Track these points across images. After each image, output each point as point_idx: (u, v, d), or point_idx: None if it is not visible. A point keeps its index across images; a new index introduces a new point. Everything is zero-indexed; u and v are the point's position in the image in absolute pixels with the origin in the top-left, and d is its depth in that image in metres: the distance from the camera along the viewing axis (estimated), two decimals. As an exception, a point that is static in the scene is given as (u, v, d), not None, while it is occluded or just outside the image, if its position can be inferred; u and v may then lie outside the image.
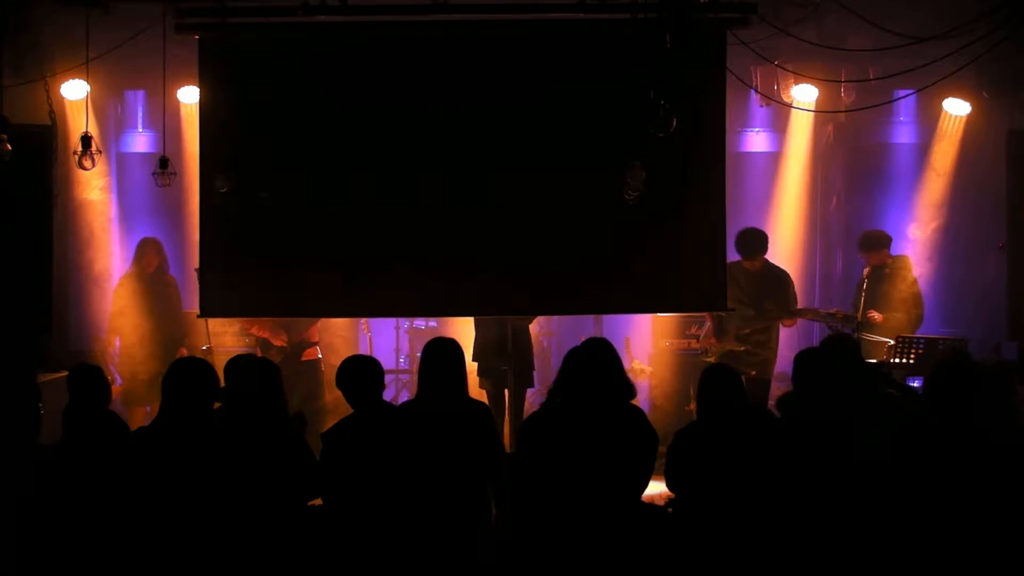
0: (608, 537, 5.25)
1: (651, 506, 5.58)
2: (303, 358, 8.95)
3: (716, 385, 5.55)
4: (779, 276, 8.88)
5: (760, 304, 8.73)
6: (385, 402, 5.58)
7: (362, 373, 5.56)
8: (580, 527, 5.27)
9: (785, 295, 8.81)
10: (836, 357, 6.01)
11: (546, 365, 10.48)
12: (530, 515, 5.40)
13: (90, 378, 5.77)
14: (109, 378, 6.34)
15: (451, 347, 5.75)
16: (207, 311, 8.39)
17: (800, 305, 9.65)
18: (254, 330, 9.05)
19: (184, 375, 5.46)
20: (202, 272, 8.32)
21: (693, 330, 9.46)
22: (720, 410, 5.49)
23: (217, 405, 5.46)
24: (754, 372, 8.54)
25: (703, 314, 9.05)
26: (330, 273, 8.25)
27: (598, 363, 5.41)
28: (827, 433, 5.44)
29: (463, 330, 9.06)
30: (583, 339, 5.80)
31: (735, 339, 8.73)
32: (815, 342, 9.78)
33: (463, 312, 8.90)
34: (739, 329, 8.73)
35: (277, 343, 8.94)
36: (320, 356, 9.18)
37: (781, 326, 8.89)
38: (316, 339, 9.18)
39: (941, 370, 5.31)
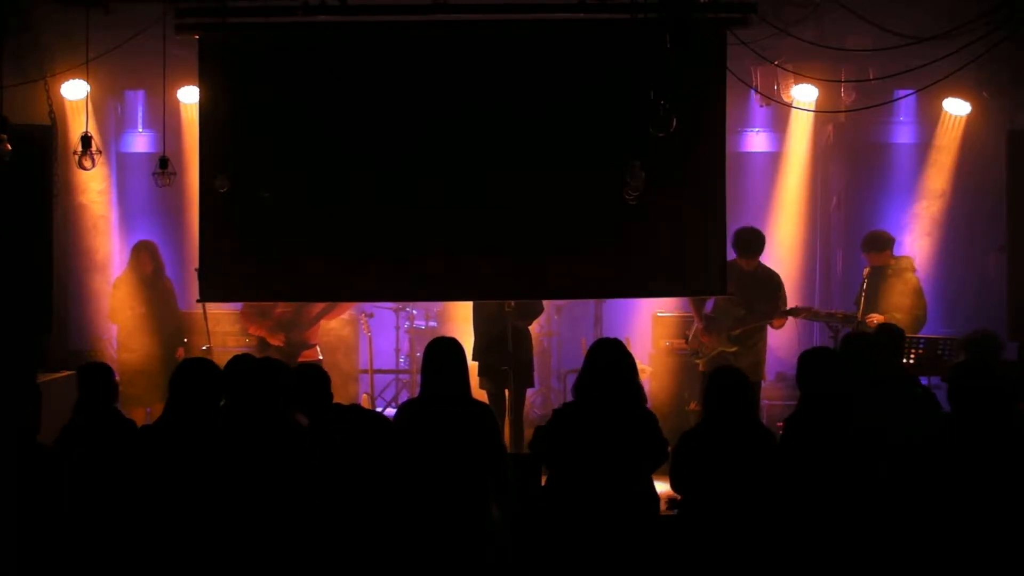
0: (617, 535, 5.29)
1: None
2: (300, 358, 8.84)
3: (724, 388, 5.54)
4: (773, 279, 8.83)
5: (752, 305, 8.69)
6: (337, 405, 5.66)
7: (313, 381, 5.62)
8: (588, 525, 5.31)
9: (777, 298, 8.78)
10: (841, 356, 6.02)
11: (546, 365, 10.49)
12: (542, 513, 5.44)
13: (99, 376, 5.79)
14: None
15: (453, 346, 5.76)
16: (206, 295, 8.40)
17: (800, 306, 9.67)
18: (251, 329, 9.01)
19: (192, 374, 5.48)
20: (202, 269, 8.33)
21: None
22: (728, 413, 5.47)
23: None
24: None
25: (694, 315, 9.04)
26: (329, 257, 8.28)
27: (613, 368, 5.48)
28: (844, 433, 5.45)
29: (463, 330, 9.07)
30: (583, 340, 5.83)
31: (728, 339, 8.70)
32: (815, 342, 9.81)
33: (462, 296, 8.93)
34: (731, 329, 8.70)
35: (274, 343, 8.86)
36: (320, 358, 9.12)
37: (770, 327, 8.85)
38: (315, 341, 9.14)
39: (964, 374, 5.34)
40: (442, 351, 5.72)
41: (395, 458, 5.46)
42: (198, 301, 8.53)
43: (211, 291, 8.38)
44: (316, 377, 5.73)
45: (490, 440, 5.64)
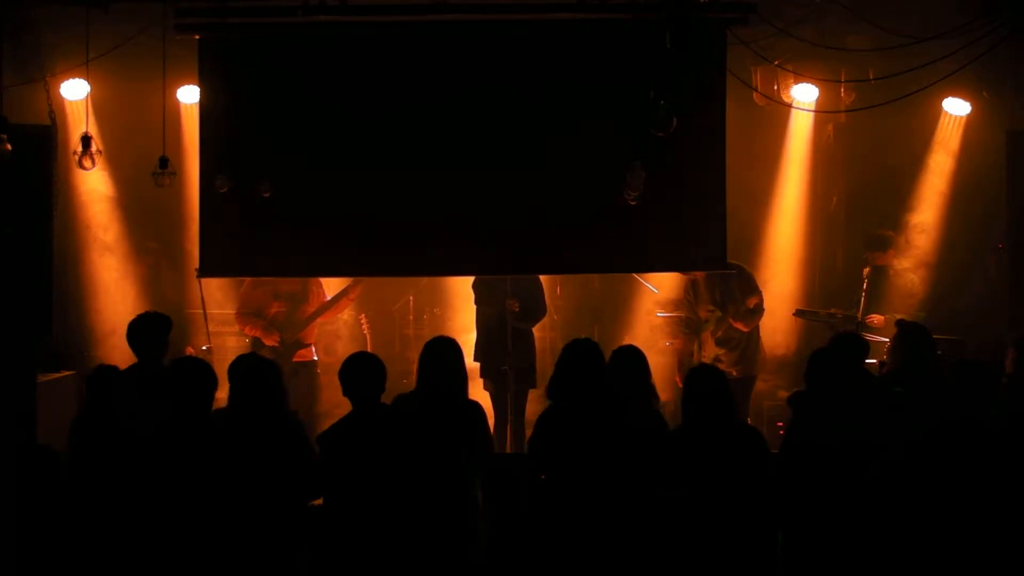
0: (609, 535, 5.30)
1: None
2: (295, 359, 8.85)
3: (702, 387, 5.52)
4: (742, 273, 8.82)
5: (725, 305, 8.71)
6: (382, 404, 5.59)
7: (364, 371, 5.57)
8: (580, 527, 5.32)
9: (746, 289, 8.75)
10: (848, 357, 6.03)
11: (546, 366, 10.47)
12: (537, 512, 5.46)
13: (108, 380, 5.81)
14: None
15: (450, 346, 5.76)
16: (206, 271, 8.42)
17: (800, 306, 9.66)
18: (246, 330, 8.99)
19: (183, 374, 5.48)
20: (202, 247, 8.36)
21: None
22: (707, 414, 5.47)
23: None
24: (735, 372, 8.52)
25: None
26: (329, 235, 8.29)
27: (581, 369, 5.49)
28: (840, 435, 5.45)
29: (464, 330, 9.08)
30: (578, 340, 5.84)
31: (716, 344, 8.72)
32: (815, 342, 9.80)
33: (458, 272, 9.09)
34: (714, 332, 8.73)
35: (269, 342, 8.84)
36: (316, 358, 9.11)
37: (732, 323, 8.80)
38: (312, 340, 9.12)
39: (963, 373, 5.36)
40: (439, 351, 5.74)
41: (389, 458, 5.46)
42: (198, 277, 8.52)
43: (210, 268, 8.40)
44: (373, 367, 5.63)
45: (479, 439, 5.67)
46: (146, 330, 6.41)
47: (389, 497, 5.40)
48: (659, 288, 10.08)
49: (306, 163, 8.27)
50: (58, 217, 8.76)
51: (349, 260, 8.53)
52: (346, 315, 9.82)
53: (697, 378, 5.57)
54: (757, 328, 8.84)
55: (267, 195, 8.08)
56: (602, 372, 5.56)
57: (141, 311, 9.06)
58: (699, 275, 8.76)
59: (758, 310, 8.74)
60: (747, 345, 8.76)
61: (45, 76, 8.65)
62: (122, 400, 5.75)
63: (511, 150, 8.22)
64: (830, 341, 6.76)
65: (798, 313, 9.63)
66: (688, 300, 8.97)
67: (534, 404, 9.04)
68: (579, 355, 5.59)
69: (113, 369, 5.94)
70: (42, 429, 6.86)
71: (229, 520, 5.22)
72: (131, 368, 6.27)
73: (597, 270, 9.64)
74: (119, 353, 9.40)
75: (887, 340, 8.36)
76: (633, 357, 5.76)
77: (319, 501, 5.51)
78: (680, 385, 8.55)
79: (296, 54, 8.30)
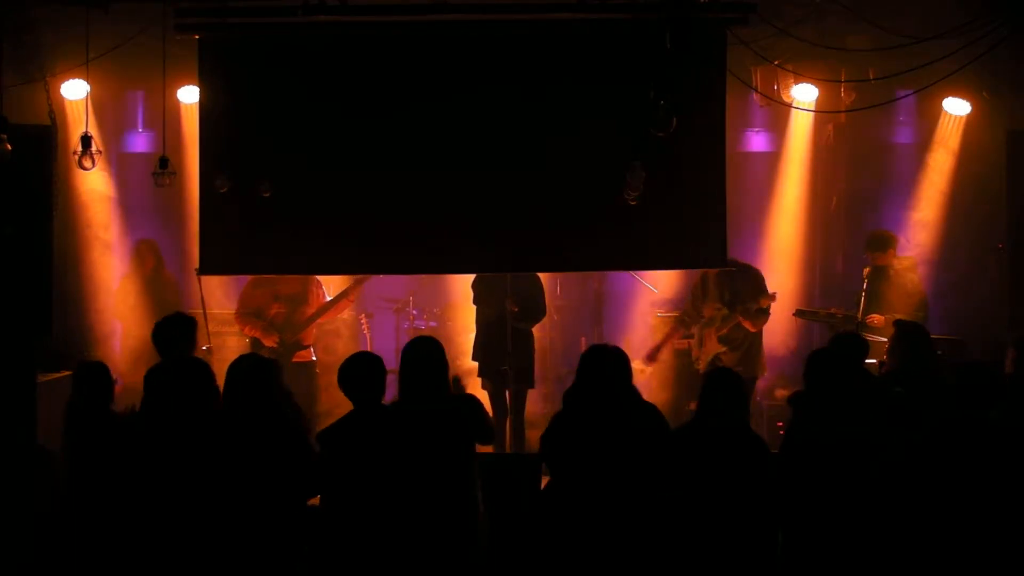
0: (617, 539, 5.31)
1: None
2: (294, 359, 8.85)
3: (720, 391, 5.53)
4: (749, 272, 8.85)
5: (734, 305, 8.73)
6: (382, 404, 5.57)
7: (364, 371, 5.55)
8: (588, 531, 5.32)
9: (756, 289, 8.77)
10: (848, 357, 6.02)
11: (546, 365, 10.48)
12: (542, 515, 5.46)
13: (95, 375, 5.81)
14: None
15: (430, 347, 5.70)
16: (206, 269, 8.44)
17: (800, 306, 9.66)
18: (246, 330, 9.00)
19: (183, 374, 5.48)
20: (202, 243, 8.38)
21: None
22: (719, 415, 5.48)
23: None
24: (738, 371, 8.54)
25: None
26: (330, 233, 8.30)
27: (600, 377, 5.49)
28: (840, 435, 5.45)
29: (465, 330, 9.06)
30: (583, 340, 5.83)
31: (718, 341, 8.74)
32: (814, 342, 9.81)
33: (458, 270, 9.10)
34: (719, 330, 8.75)
35: (268, 343, 8.87)
36: (314, 359, 9.13)
37: (741, 322, 8.79)
38: (311, 341, 9.13)
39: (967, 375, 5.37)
40: (419, 352, 5.64)
41: (385, 459, 5.45)
42: (198, 275, 8.55)
43: (210, 267, 8.42)
44: (374, 368, 5.59)
45: (477, 431, 5.65)
46: (178, 329, 6.38)
47: (389, 496, 5.39)
48: (659, 288, 10.08)
49: (306, 163, 8.29)
50: (58, 217, 8.78)
51: (349, 259, 8.55)
52: (346, 315, 9.83)
53: (716, 381, 5.58)
54: (760, 330, 8.85)
55: (267, 195, 8.10)
56: (619, 380, 5.56)
57: (141, 311, 9.15)
58: (711, 272, 8.76)
59: (768, 311, 8.76)
60: (750, 346, 8.78)
61: (45, 76, 8.66)
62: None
63: (511, 150, 8.24)
64: (830, 341, 6.76)
65: (798, 313, 9.64)
66: (695, 295, 8.97)
67: (533, 404, 9.07)
68: (604, 361, 5.57)
69: (101, 365, 5.93)
70: (42, 429, 6.87)
71: (229, 520, 5.22)
72: (157, 366, 6.22)
73: (597, 268, 9.66)
74: (119, 353, 9.49)
75: (887, 340, 8.40)
76: (622, 360, 5.73)
77: (316, 500, 5.51)
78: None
79: (296, 54, 8.31)
